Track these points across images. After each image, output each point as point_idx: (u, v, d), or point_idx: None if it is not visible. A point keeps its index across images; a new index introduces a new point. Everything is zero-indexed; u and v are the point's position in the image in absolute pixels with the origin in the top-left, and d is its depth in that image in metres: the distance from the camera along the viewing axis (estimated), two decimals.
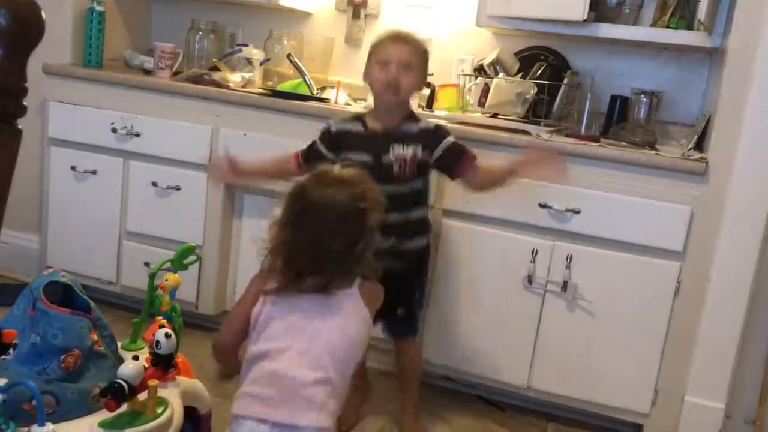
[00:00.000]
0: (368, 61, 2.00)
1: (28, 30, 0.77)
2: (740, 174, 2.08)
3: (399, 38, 1.94)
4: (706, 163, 2.11)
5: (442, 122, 2.35)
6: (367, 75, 2.00)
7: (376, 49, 1.98)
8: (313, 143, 2.06)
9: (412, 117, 2.02)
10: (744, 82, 2.06)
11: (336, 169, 1.52)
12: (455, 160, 1.97)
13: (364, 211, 1.45)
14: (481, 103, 2.43)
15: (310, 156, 2.05)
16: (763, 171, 2.06)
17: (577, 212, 2.19)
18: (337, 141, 2.02)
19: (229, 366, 1.58)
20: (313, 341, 1.40)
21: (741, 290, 2.12)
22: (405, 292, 2.07)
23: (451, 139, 1.99)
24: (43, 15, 0.80)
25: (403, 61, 1.91)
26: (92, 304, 1.44)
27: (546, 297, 2.27)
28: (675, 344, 2.20)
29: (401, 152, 1.94)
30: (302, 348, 1.40)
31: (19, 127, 0.82)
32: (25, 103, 0.81)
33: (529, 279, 2.26)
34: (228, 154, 2.00)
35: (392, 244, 1.94)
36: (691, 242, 2.15)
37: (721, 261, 2.13)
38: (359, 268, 1.48)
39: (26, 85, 0.80)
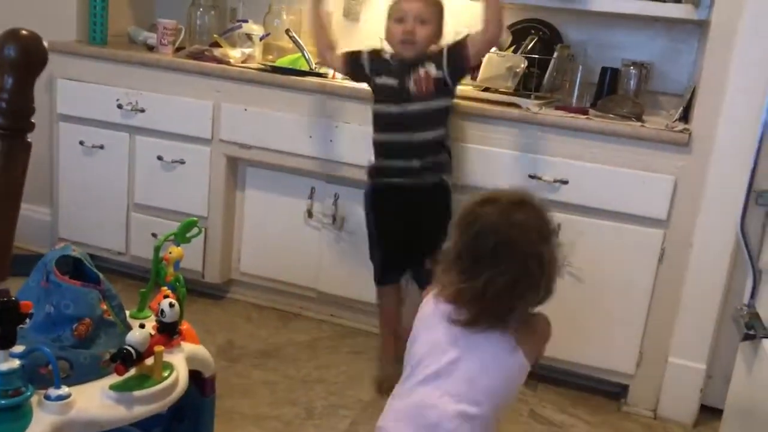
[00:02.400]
0: (387, 21, 2.16)
1: (34, 59, 0.88)
2: (722, 144, 2.15)
3: None
4: (689, 134, 2.18)
5: None
6: (386, 33, 2.17)
7: (391, 8, 2.15)
8: (359, 55, 2.24)
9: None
10: (725, 55, 2.12)
11: (503, 192, 1.37)
12: (459, 54, 2.13)
13: (556, 243, 1.32)
14: (474, 77, 2.50)
15: (353, 64, 2.24)
16: (743, 141, 2.12)
17: (565, 183, 2.27)
18: (371, 63, 2.21)
19: None
20: (470, 372, 1.33)
21: (722, 256, 2.20)
22: (433, 240, 2.18)
23: (450, 43, 2.16)
24: (45, 44, 0.91)
25: (417, 15, 2.09)
26: (101, 276, 1.54)
27: None
28: (659, 308, 2.29)
29: (419, 73, 2.12)
30: (462, 380, 1.33)
31: (29, 140, 0.93)
32: (33, 121, 0.92)
33: None
34: None
35: (410, 165, 2.15)
36: (674, 210, 2.23)
37: (703, 228, 2.21)
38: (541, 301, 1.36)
39: (33, 105, 0.91)
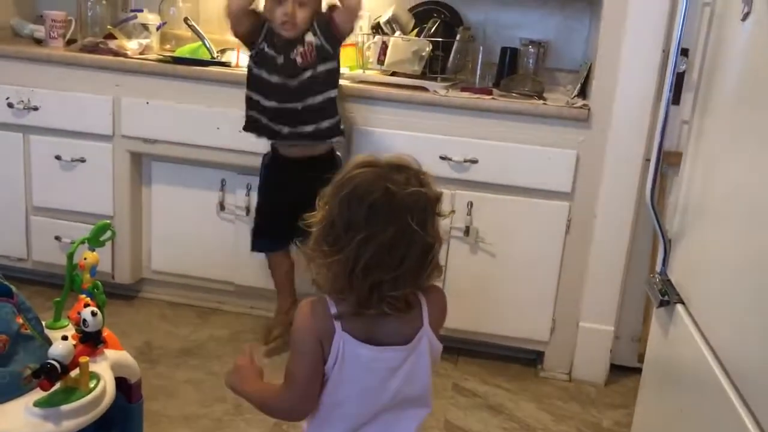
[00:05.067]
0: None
1: None
2: (619, 119, 2.27)
3: None
4: (588, 110, 2.28)
5: (345, 82, 2.43)
6: (266, 11, 2.19)
7: None
8: (259, 16, 2.25)
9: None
10: (617, 33, 2.23)
11: (380, 156, 1.19)
12: (327, 24, 2.21)
13: (438, 201, 1.18)
14: (381, 61, 2.51)
15: (255, 23, 2.23)
16: (639, 115, 2.25)
17: (475, 162, 2.34)
18: (266, 30, 2.22)
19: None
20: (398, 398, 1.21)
21: (624, 225, 2.34)
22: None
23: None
24: None
25: None
26: (14, 288, 1.47)
27: (450, 242, 2.42)
28: (568, 277, 2.41)
29: (305, 47, 2.20)
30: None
31: None
32: None
33: None
34: None
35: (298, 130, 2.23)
36: (578, 183, 2.34)
37: (606, 199, 2.33)
38: (430, 274, 1.19)
39: None
